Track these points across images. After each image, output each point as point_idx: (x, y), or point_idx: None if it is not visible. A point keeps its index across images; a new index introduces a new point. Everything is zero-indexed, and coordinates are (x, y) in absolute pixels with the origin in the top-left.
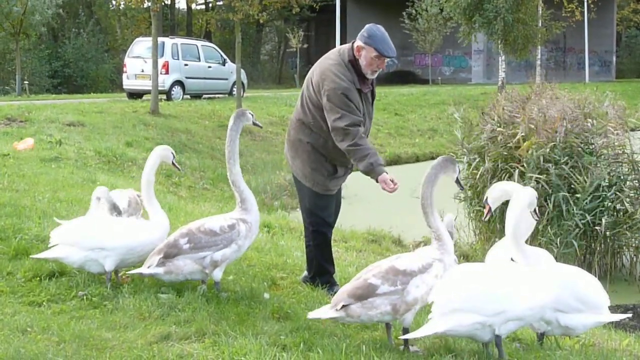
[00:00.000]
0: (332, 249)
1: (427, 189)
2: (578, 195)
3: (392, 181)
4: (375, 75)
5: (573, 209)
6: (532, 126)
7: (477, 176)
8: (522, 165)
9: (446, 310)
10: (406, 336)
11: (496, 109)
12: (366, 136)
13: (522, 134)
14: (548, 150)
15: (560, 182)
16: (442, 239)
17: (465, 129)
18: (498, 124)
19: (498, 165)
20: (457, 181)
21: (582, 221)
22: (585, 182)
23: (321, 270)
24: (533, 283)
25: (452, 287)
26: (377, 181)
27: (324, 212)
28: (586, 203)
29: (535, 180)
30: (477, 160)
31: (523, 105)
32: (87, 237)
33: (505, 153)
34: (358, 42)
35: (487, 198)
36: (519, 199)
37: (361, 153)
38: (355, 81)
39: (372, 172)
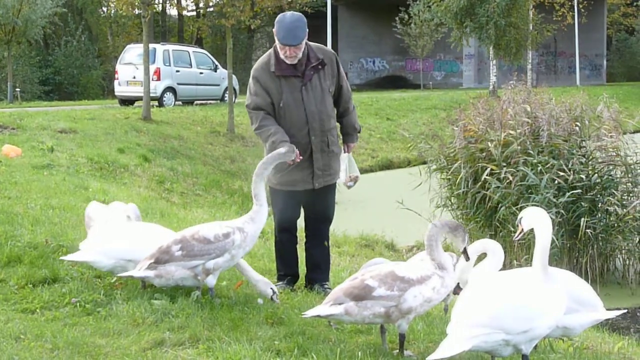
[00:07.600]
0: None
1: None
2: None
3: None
4: (294, 60)
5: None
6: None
7: (457, 180)
8: (495, 165)
9: (471, 326)
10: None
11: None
12: (307, 125)
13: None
14: (519, 147)
15: (537, 177)
16: (445, 267)
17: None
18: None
19: (478, 168)
20: (464, 251)
21: (559, 218)
22: (567, 179)
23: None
24: (553, 299)
25: (477, 302)
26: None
27: (276, 209)
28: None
29: (511, 175)
30: (455, 165)
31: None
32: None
33: (478, 154)
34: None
35: (521, 219)
36: (546, 225)
37: (266, 133)
38: (273, 65)
39: (275, 149)
